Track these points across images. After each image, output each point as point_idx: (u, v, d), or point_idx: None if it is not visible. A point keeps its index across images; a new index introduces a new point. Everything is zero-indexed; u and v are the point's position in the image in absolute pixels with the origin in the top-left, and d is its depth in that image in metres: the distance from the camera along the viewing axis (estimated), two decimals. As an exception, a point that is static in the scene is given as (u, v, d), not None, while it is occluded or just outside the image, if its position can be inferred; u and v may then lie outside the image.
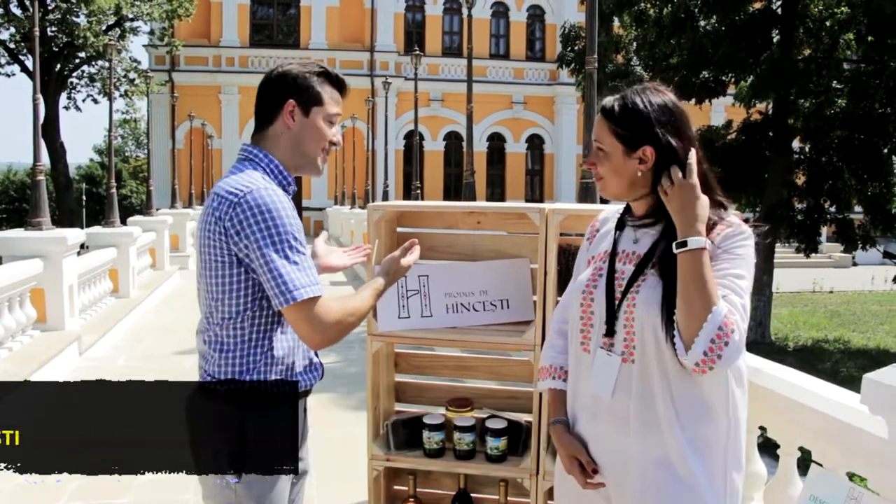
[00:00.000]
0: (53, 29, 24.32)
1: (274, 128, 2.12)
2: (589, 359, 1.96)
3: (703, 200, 1.82)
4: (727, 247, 1.85)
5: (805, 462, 2.41)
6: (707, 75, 16.78)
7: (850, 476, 2.25)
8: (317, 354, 2.23)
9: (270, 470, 2.05)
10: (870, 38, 14.78)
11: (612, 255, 1.99)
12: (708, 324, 1.74)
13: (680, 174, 1.82)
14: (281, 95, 2.10)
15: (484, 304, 2.96)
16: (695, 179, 1.82)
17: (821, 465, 2.30)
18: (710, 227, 1.85)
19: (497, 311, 2.95)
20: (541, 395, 2.81)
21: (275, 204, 1.94)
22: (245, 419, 2.02)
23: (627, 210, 2.03)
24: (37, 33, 9.75)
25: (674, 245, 1.79)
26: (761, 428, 3.00)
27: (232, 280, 1.99)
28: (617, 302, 1.92)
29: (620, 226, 2.03)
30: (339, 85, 2.17)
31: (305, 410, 2.24)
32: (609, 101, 1.94)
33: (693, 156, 1.84)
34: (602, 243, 2.07)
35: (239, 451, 2.02)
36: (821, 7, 15.66)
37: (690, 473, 1.85)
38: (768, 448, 3.09)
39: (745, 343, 1.80)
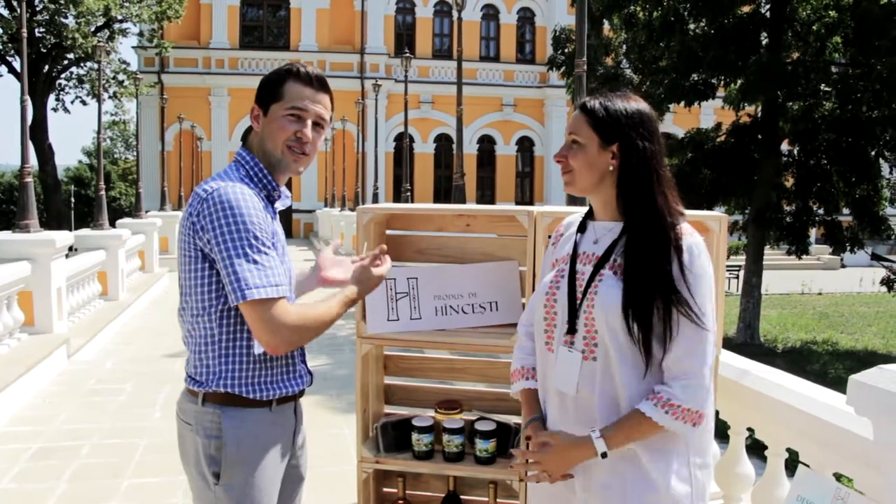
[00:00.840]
0: (41, 30, 24.21)
1: (252, 133, 2.16)
2: (553, 357, 2.01)
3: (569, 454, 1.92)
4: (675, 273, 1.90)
5: (793, 463, 2.42)
6: (696, 78, 16.86)
7: (838, 477, 2.26)
8: (303, 359, 2.20)
9: (247, 474, 2.02)
10: (857, 42, 14.88)
11: (574, 256, 2.04)
12: (666, 422, 1.85)
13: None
14: (255, 102, 2.13)
15: (473, 306, 2.96)
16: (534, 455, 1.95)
17: (808, 465, 2.32)
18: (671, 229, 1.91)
19: (486, 313, 2.95)
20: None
21: (238, 201, 1.93)
22: (222, 422, 2.01)
23: (590, 213, 2.10)
24: (24, 34, 9.69)
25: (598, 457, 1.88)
26: (749, 429, 3.02)
27: (198, 274, 1.98)
28: (578, 301, 1.97)
29: (582, 228, 2.08)
30: (305, 79, 2.09)
31: (298, 415, 2.22)
32: (588, 99, 2.01)
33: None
34: (566, 246, 2.11)
35: (217, 454, 2.01)
36: (809, 10, 15.77)
37: (655, 468, 1.89)
38: (756, 449, 3.10)
39: (706, 390, 1.88)
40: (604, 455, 1.86)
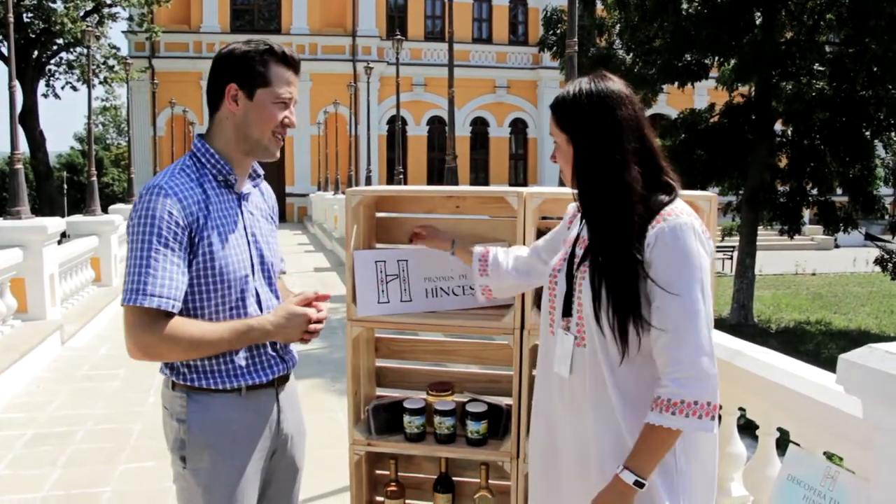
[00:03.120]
0: (30, 15, 23.98)
1: (219, 114, 2.04)
2: (553, 340, 2.03)
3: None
4: (659, 258, 1.80)
5: (784, 443, 2.42)
6: (690, 58, 16.78)
7: (829, 456, 2.27)
8: (275, 347, 2.12)
9: (213, 459, 2.00)
10: (851, 21, 14.82)
11: (575, 240, 2.05)
12: (678, 422, 1.78)
13: None
14: (224, 79, 2.00)
15: (464, 288, 2.94)
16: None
17: (799, 444, 2.32)
18: (649, 218, 1.83)
19: (476, 294, 2.91)
20: (520, 379, 2.81)
21: (150, 202, 1.89)
22: (188, 406, 2.00)
23: None
24: (11, 19, 9.61)
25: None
26: (741, 409, 3.02)
27: None
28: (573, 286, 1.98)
29: None
30: (286, 62, 2.02)
31: (281, 403, 2.15)
32: (560, 95, 1.97)
33: None
34: (573, 230, 2.12)
35: (184, 439, 2.01)
36: (802, -11, 15.70)
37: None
38: (748, 429, 3.11)
39: (706, 377, 1.80)
40: (639, 484, 1.78)
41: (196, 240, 1.93)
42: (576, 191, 1.95)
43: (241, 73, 1.99)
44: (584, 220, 1.97)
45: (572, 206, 2.21)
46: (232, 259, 2.00)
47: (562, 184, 2.38)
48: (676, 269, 1.79)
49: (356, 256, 2.86)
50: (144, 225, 1.88)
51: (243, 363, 2.04)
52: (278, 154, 2.09)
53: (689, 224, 1.83)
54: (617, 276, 1.82)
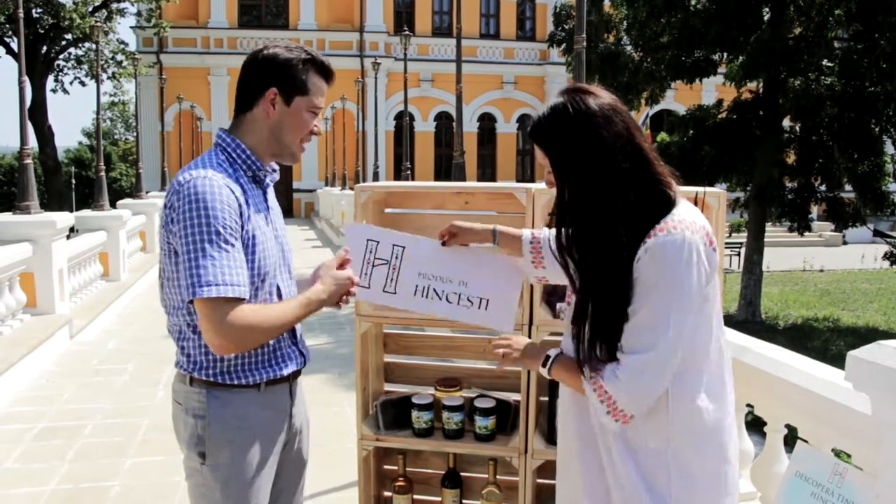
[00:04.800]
0: (39, 10, 24.08)
1: (253, 114, 2.05)
2: (568, 339, 1.95)
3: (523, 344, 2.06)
4: (644, 271, 1.72)
5: (792, 439, 2.42)
6: (698, 55, 16.75)
7: (837, 453, 2.27)
8: (294, 341, 2.16)
9: (233, 454, 2.01)
10: (860, 17, 14.75)
11: None
12: (591, 404, 1.82)
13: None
14: (264, 81, 2.01)
15: (459, 296, 2.50)
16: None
17: (806, 441, 2.32)
18: (642, 236, 1.73)
19: (472, 308, 2.51)
20: (528, 375, 2.82)
21: (205, 194, 1.87)
22: (207, 402, 2.01)
23: None
24: (21, 15, 9.65)
25: (545, 371, 1.96)
26: (749, 406, 3.02)
27: (173, 268, 1.96)
28: None
29: None
30: (325, 73, 2.07)
31: (294, 397, 2.18)
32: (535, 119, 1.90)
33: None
34: None
35: (203, 433, 2.01)
36: (811, -15, 15.64)
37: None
38: (756, 426, 3.11)
39: (645, 391, 1.74)
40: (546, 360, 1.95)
41: (241, 232, 1.95)
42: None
43: (282, 78, 2.01)
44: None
45: None
46: (267, 253, 2.02)
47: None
48: (654, 283, 1.71)
49: (348, 229, 2.62)
50: (203, 215, 1.86)
51: (264, 359, 2.06)
52: (300, 159, 2.15)
53: (681, 241, 1.71)
54: (609, 293, 1.77)
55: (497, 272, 2.48)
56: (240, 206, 1.94)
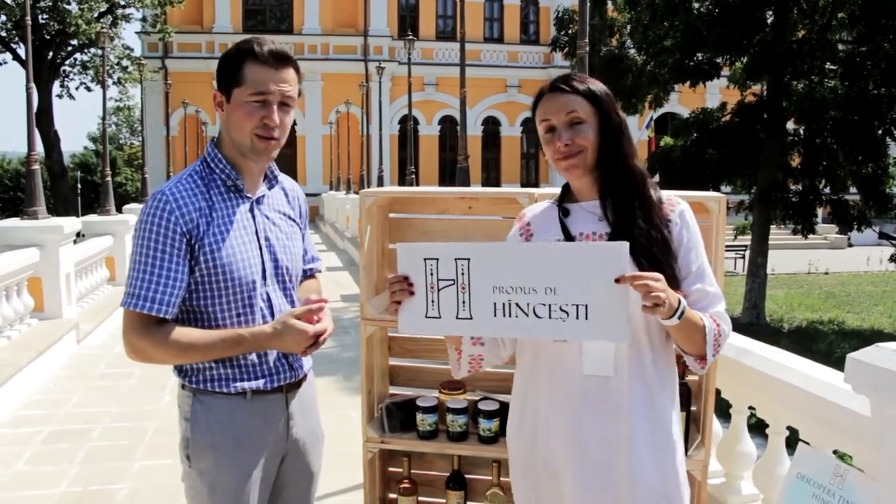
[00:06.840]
0: (45, 16, 24.18)
1: (221, 122, 2.08)
2: (568, 343, 1.96)
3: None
4: (690, 226, 2.02)
5: (794, 441, 2.44)
6: (701, 57, 16.76)
7: (840, 456, 2.29)
8: (284, 357, 2.10)
9: (217, 459, 2.02)
10: (863, 19, 14.75)
11: (569, 240, 2.00)
12: (708, 343, 1.91)
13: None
14: (216, 87, 2.03)
15: (550, 308, 1.83)
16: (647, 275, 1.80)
17: (808, 443, 2.34)
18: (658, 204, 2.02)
19: (570, 320, 1.83)
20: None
21: (150, 213, 1.92)
22: (193, 405, 2.04)
23: (566, 196, 2.09)
24: (28, 21, 9.71)
25: (676, 317, 1.81)
26: (751, 408, 3.04)
27: None
28: None
29: (565, 213, 2.05)
30: (265, 60, 1.95)
31: (291, 409, 2.14)
32: (565, 79, 2.02)
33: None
34: (545, 234, 2.08)
35: (189, 437, 2.04)
36: (814, -12, 15.65)
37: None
38: (758, 428, 3.13)
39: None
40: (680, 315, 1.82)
41: (196, 246, 1.95)
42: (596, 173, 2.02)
43: (220, 78, 2.01)
44: (606, 205, 1.99)
45: (528, 216, 2.16)
46: (238, 265, 1.99)
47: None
48: (699, 238, 2.03)
49: (400, 250, 1.99)
50: (145, 231, 1.92)
51: (247, 371, 2.05)
52: (273, 154, 2.06)
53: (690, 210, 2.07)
54: (661, 251, 1.94)
55: (592, 267, 1.81)
56: (194, 221, 1.95)
